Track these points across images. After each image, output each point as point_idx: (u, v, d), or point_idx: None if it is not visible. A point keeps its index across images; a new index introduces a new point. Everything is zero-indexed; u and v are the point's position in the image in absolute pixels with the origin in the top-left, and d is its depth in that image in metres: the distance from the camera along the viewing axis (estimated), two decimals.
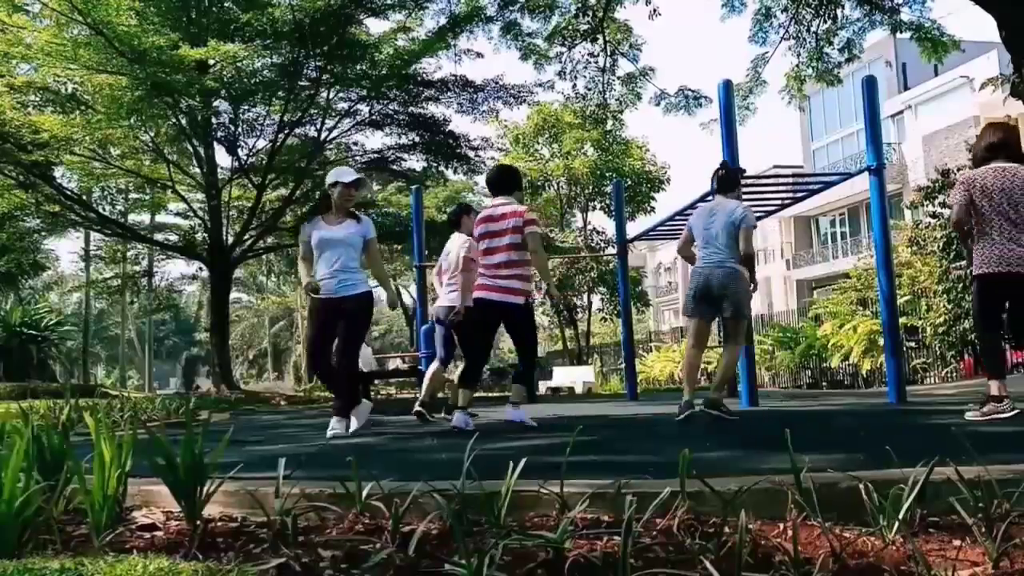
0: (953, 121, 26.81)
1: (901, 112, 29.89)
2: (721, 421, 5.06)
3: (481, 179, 26.82)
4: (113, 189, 19.95)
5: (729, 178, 5.81)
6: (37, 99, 15.83)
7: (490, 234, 5.45)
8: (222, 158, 18.49)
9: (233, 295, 29.51)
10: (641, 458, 3.29)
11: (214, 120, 16.53)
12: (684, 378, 5.70)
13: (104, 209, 19.30)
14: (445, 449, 3.97)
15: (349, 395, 5.31)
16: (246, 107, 16.64)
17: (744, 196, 7.57)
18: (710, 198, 8.63)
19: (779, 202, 9.53)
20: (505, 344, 56.31)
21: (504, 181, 5.65)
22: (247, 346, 54.53)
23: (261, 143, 17.60)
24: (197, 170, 17.93)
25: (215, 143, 17.35)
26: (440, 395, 7.04)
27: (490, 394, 16.60)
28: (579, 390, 17.56)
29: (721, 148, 7.14)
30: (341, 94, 16.98)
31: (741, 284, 5.37)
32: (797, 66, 13.28)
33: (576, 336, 26.38)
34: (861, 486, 2.06)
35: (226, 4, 15.74)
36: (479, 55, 17.08)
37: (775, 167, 33.45)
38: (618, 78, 14.26)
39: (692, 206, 8.93)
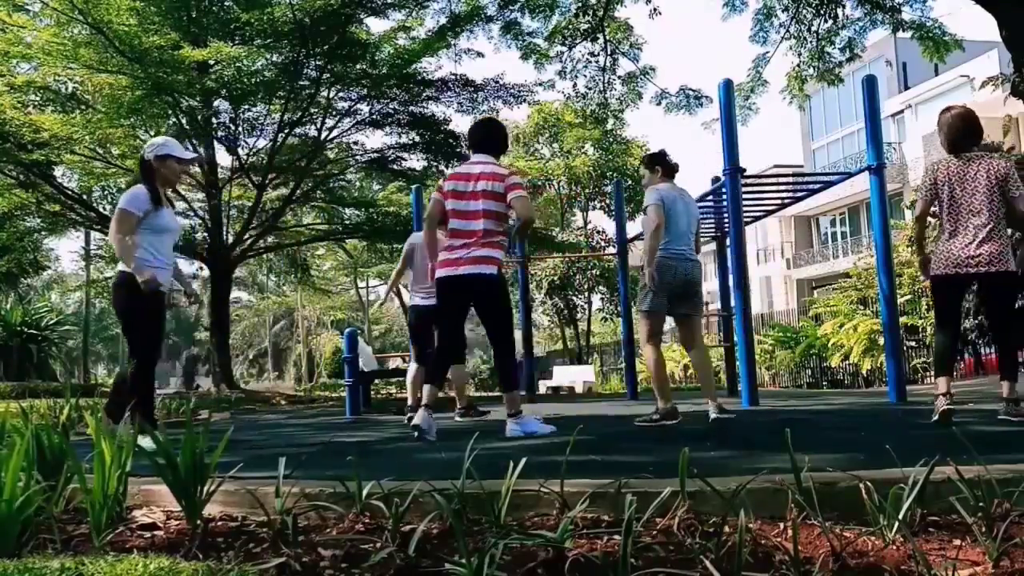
0: None
1: (901, 111, 29.87)
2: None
3: None
4: (113, 188, 19.91)
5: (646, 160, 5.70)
6: (37, 98, 15.81)
7: (460, 194, 4.57)
8: (222, 157, 18.51)
9: (233, 294, 29.47)
10: (641, 458, 3.28)
11: (214, 120, 16.53)
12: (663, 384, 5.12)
13: (104, 208, 19.26)
14: (445, 449, 3.96)
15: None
16: (246, 107, 16.62)
17: (744, 195, 7.59)
18: (709, 197, 8.67)
19: (779, 201, 9.53)
20: None
21: (484, 137, 4.73)
22: (247, 345, 54.53)
23: (261, 142, 17.60)
24: (197, 169, 17.93)
25: (215, 142, 17.35)
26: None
27: (490, 393, 16.60)
28: (579, 389, 17.55)
29: (722, 147, 7.15)
30: (341, 93, 16.96)
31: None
32: (798, 66, 13.28)
33: (576, 335, 26.39)
34: (861, 486, 2.06)
35: (226, 4, 15.72)
36: (479, 54, 17.04)
37: (775, 167, 33.48)
38: (618, 77, 14.27)
39: None
